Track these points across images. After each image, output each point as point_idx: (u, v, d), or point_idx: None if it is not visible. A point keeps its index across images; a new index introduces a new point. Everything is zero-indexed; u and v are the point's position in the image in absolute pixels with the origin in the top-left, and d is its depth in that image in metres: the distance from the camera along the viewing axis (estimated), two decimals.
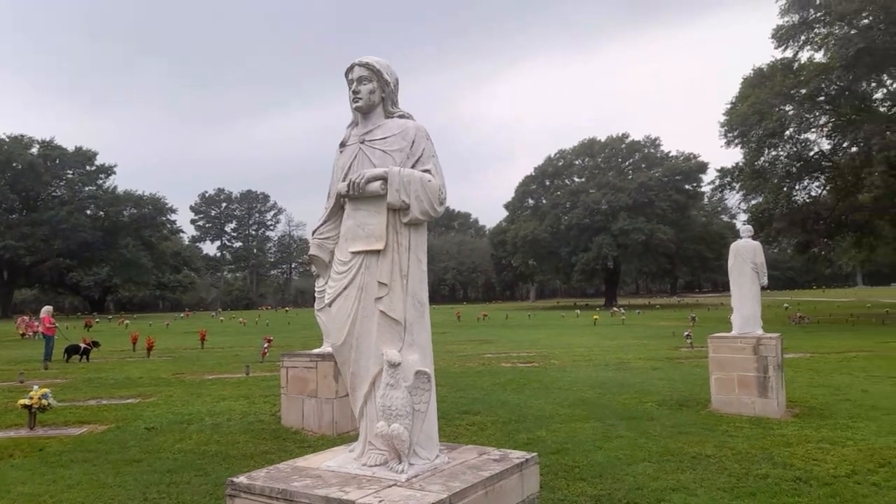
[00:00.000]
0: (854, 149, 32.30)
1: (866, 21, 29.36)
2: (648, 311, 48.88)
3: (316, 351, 8.49)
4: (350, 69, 3.31)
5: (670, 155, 64.65)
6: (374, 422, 3.00)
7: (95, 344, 19.43)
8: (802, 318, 30.69)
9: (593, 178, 64.37)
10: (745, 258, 9.65)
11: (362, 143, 3.26)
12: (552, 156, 69.43)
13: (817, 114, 32.30)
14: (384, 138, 3.22)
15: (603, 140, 67.32)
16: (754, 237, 10.15)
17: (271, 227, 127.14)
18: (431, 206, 3.10)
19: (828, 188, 34.54)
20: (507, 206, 73.52)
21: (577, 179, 67.13)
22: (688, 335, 19.76)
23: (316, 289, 8.66)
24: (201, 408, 10.01)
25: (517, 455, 3.27)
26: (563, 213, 61.55)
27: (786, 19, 32.36)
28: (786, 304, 45.33)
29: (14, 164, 65.49)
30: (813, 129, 33.11)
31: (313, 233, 3.39)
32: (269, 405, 10.07)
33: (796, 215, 32.51)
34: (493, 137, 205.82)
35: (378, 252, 3.06)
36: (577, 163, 68.27)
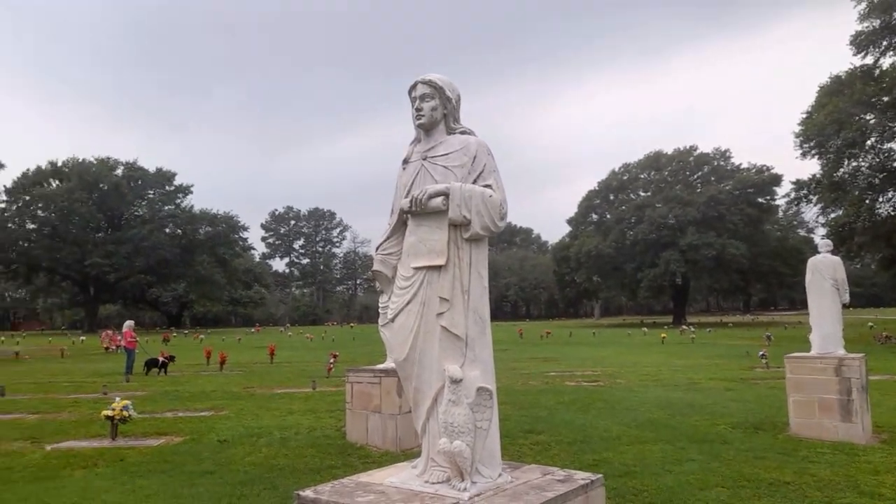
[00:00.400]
0: None
1: None
2: (720, 330, 46.99)
3: (380, 366, 8.60)
4: (413, 87, 3.37)
5: (741, 167, 62.36)
6: (436, 438, 3.02)
7: (172, 358, 20.32)
8: (889, 337, 28.82)
9: (660, 191, 62.79)
10: (825, 274, 9.18)
11: (424, 159, 3.31)
12: (616, 169, 68.28)
13: None
14: (446, 154, 3.26)
15: (670, 153, 65.68)
16: (834, 252, 9.64)
17: (337, 244, 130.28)
18: (492, 221, 3.12)
19: None
20: (569, 222, 72.63)
21: (642, 193, 65.65)
22: (763, 355, 18.88)
23: (380, 304, 8.77)
24: (270, 422, 10.29)
25: (582, 476, 3.22)
26: (629, 228, 60.28)
27: (865, 24, 30.86)
28: (870, 323, 42.63)
29: (101, 185, 69.72)
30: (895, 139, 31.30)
31: (377, 249, 3.46)
32: (335, 420, 10.25)
33: (880, 229, 30.70)
34: (555, 152, 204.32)
35: (439, 267, 3.09)
36: (642, 176, 66.84)
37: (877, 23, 30.41)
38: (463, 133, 3.38)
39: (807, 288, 9.42)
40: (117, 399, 9.03)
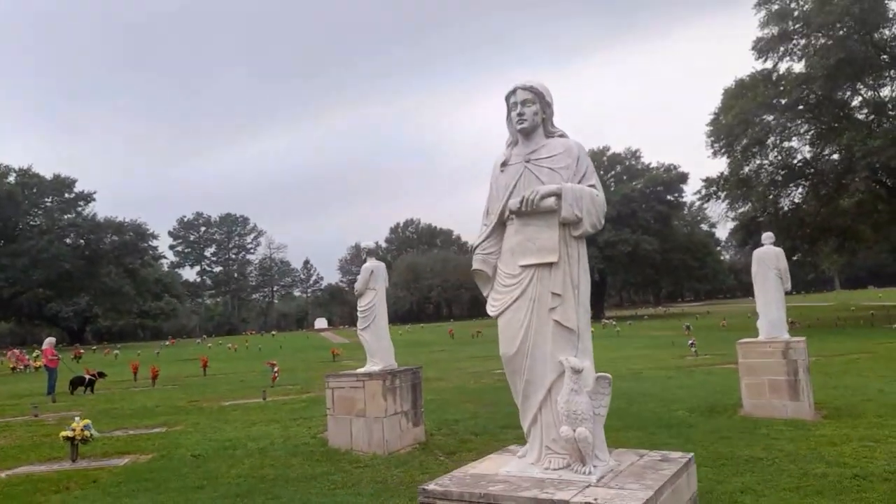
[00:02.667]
0: (835, 156, 33.26)
1: (842, 32, 30.40)
2: (638, 322, 49.35)
3: (361, 370, 8.53)
4: (513, 92, 3.47)
5: (651, 167, 65.77)
6: (550, 427, 3.13)
7: (101, 374, 19.17)
8: (793, 322, 31.26)
9: None
10: (769, 264, 9.93)
11: (527, 162, 3.41)
12: None
13: (799, 122, 33.23)
14: (550, 157, 3.38)
15: None
16: (776, 244, 10.39)
17: (252, 251, 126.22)
18: (599, 219, 3.28)
19: (811, 195, 35.39)
20: None
21: None
22: (692, 343, 20.08)
23: (359, 308, 8.76)
24: (236, 434, 9.96)
25: (677, 455, 3.44)
26: None
27: (765, 31, 33.39)
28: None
29: None
30: (795, 138, 34.07)
31: (474, 249, 3.53)
32: (304, 428, 10.07)
33: (782, 222, 33.27)
34: (472, 153, 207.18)
35: (550, 265, 3.20)
36: None
37: (775, 30, 32.96)
38: (561, 136, 3.52)
39: (753, 278, 10.15)
40: (76, 419, 8.48)
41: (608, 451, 3.33)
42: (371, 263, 8.77)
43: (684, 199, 62.20)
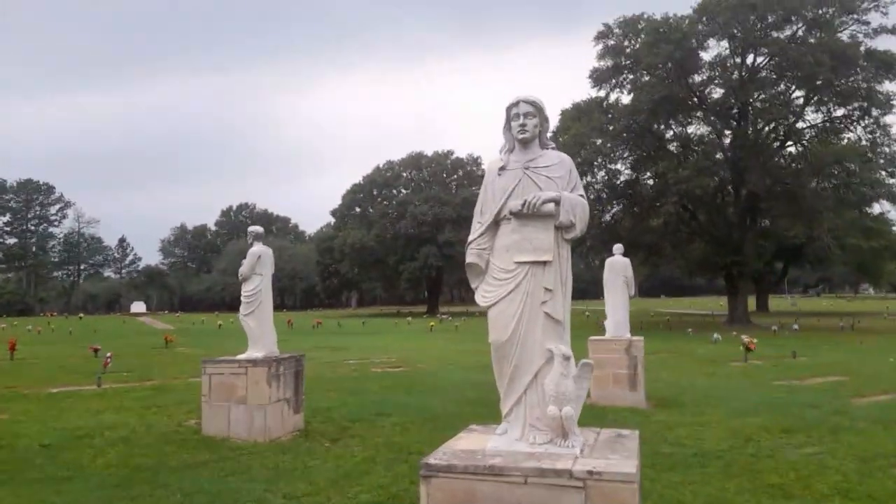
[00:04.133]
0: (650, 181, 37.65)
1: (664, 74, 34.55)
2: (470, 319, 51.75)
3: (242, 356, 8.27)
4: (516, 104, 3.77)
5: None
6: (535, 407, 3.47)
7: None
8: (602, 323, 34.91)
9: (420, 190, 66.64)
10: (618, 272, 11.22)
11: (526, 169, 3.73)
12: (381, 166, 70.69)
13: (623, 148, 37.15)
14: (548, 166, 3.74)
15: (430, 155, 70.10)
16: (625, 254, 11.73)
17: (56, 223, 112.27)
18: (585, 225, 3.70)
19: (627, 213, 39.65)
20: (333, 213, 73.14)
21: (404, 191, 68.99)
22: None
23: (243, 293, 8.49)
24: (84, 422, 9.11)
25: (627, 431, 4.01)
26: (391, 223, 62.86)
27: (601, 63, 36.87)
28: (587, 313, 50.91)
29: None
30: (620, 161, 38.04)
31: (469, 244, 3.77)
32: (165, 416, 9.50)
33: (605, 235, 36.90)
34: (313, 141, 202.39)
35: (544, 263, 3.57)
36: (404, 174, 70.20)
37: (610, 63, 36.56)
38: (554, 149, 3.90)
39: (604, 283, 11.40)
40: None
41: None
42: (258, 248, 8.55)
43: None
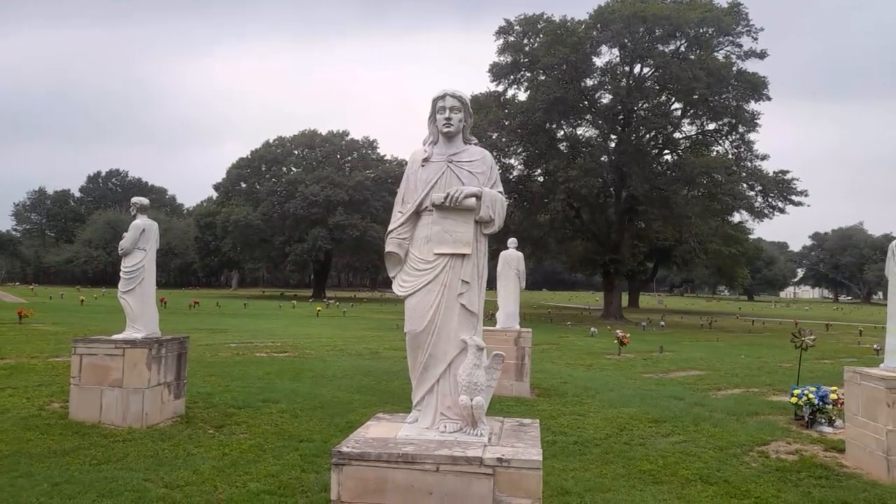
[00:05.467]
0: (541, 178, 39.05)
1: (559, 75, 35.86)
2: (358, 305, 51.42)
3: (119, 336, 7.69)
4: (442, 97, 3.74)
5: (385, 158, 68.79)
6: (446, 397, 3.47)
7: None
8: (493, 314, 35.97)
9: (312, 169, 64.95)
10: (511, 265, 11.55)
11: (450, 162, 3.71)
12: (271, 141, 68.13)
13: (517, 144, 38.22)
14: (470, 161, 3.76)
15: (324, 134, 68.46)
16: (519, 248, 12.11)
17: None
18: (503, 220, 3.72)
19: (518, 207, 40.93)
20: (217, 187, 69.68)
21: (294, 169, 66.95)
22: None
23: (123, 269, 7.89)
24: None
25: (528, 420, 4.14)
26: (280, 202, 60.88)
27: (501, 58, 37.61)
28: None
29: None
30: (514, 157, 39.11)
31: (389, 233, 3.68)
32: (23, 399, 8.65)
33: None
34: (197, 112, 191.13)
35: (463, 256, 3.56)
36: (296, 152, 68.14)
37: (509, 59, 37.38)
38: (476, 145, 3.89)
39: (497, 275, 11.68)
40: None
41: None
42: (142, 221, 7.96)
43: None
